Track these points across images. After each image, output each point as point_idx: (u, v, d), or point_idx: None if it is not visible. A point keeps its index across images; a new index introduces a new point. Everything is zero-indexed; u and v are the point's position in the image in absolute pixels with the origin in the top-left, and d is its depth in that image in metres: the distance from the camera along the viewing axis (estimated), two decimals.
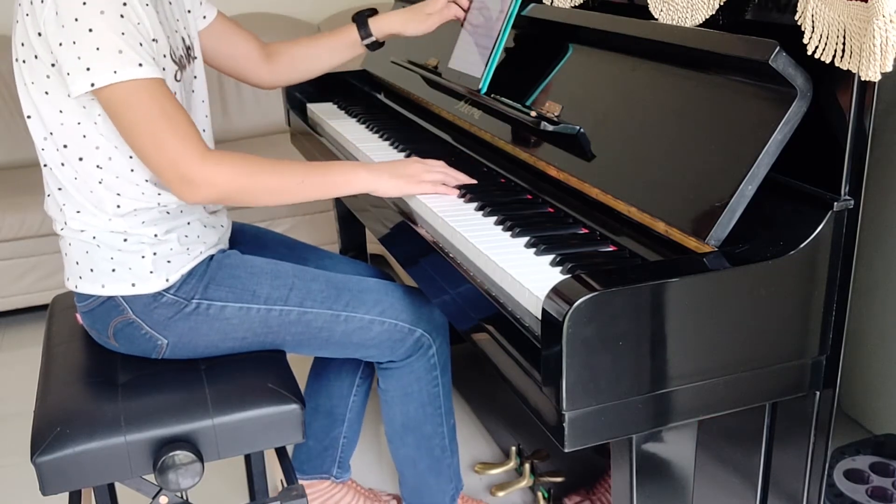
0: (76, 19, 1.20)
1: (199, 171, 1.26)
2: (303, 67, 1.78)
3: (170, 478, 1.29)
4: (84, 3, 1.20)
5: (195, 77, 1.48)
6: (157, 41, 1.30)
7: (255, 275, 1.45)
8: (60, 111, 1.30)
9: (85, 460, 1.27)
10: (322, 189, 1.40)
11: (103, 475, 1.30)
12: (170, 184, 1.28)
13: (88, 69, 1.21)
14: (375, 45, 1.75)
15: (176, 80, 1.37)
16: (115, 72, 1.21)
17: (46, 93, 1.30)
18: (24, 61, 1.30)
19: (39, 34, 1.25)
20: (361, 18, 1.73)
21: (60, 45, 1.22)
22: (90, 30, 1.20)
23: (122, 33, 1.22)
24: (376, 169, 1.44)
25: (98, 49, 1.20)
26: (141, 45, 1.24)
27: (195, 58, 1.48)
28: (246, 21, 3.55)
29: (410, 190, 1.45)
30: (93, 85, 1.21)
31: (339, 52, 1.76)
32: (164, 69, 1.32)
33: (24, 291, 2.92)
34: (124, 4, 1.23)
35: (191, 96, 1.47)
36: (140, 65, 1.22)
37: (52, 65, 1.26)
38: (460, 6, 1.71)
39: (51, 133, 1.32)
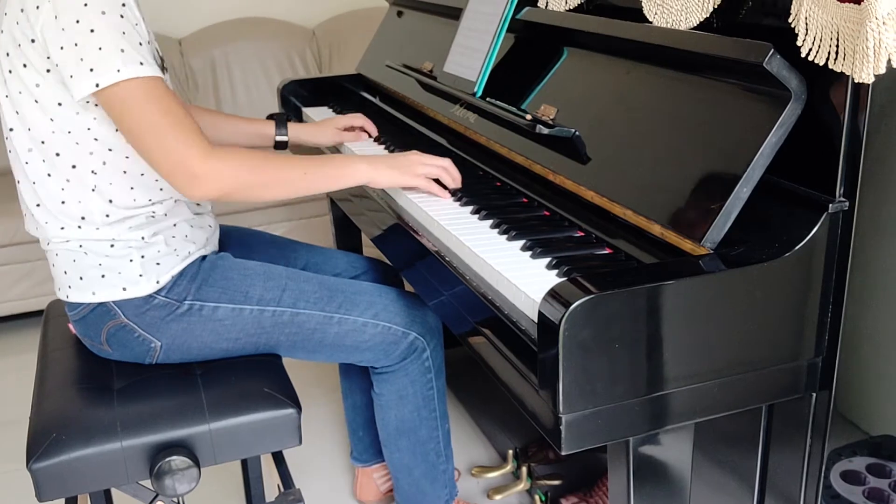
0: (77, 21, 1.20)
1: (204, 166, 1.26)
2: (217, 136, 1.78)
3: (166, 483, 1.28)
4: (85, 5, 1.20)
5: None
6: (150, 44, 1.31)
7: (248, 276, 1.45)
8: (51, 119, 1.30)
9: (81, 466, 1.27)
10: (324, 181, 1.41)
11: (99, 481, 1.30)
12: (176, 181, 1.27)
13: (92, 70, 1.21)
14: (281, 145, 1.84)
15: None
16: (118, 70, 1.21)
17: (36, 101, 1.29)
18: (9, 71, 1.29)
19: (33, 41, 1.24)
20: (281, 119, 1.84)
21: (62, 48, 1.22)
22: (92, 30, 1.21)
23: (123, 33, 1.22)
24: (374, 160, 1.45)
25: (101, 49, 1.21)
26: (140, 44, 1.25)
27: (167, 69, 1.49)
28: (242, 26, 3.56)
29: (404, 181, 1.45)
30: (97, 85, 1.21)
31: (247, 135, 1.82)
32: None
33: (19, 297, 2.91)
34: (123, 5, 1.24)
35: None
36: (141, 63, 1.23)
37: (48, 70, 1.26)
38: (367, 131, 1.90)
39: (42, 142, 1.31)
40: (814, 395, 1.14)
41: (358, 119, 1.90)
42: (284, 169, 1.36)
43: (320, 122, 1.90)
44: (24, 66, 1.27)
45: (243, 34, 3.54)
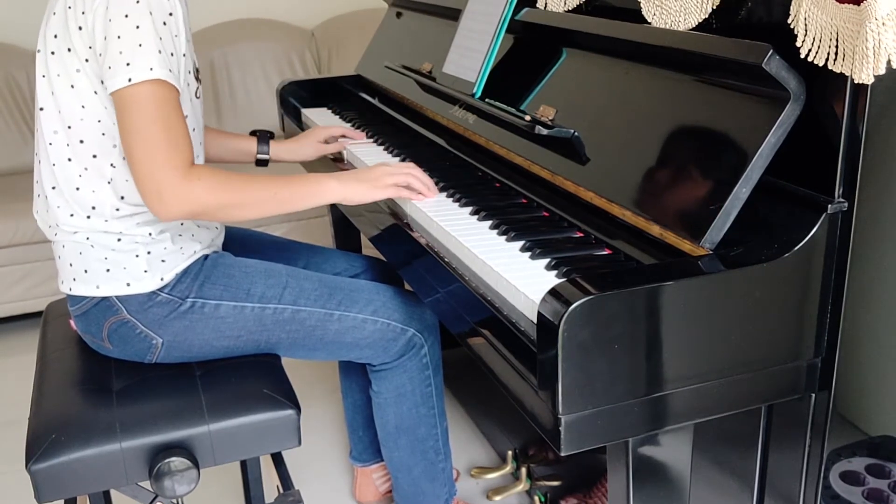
0: (126, 15, 1.24)
1: (172, 188, 1.26)
2: (203, 150, 1.78)
3: (165, 484, 1.28)
4: (137, 2, 1.24)
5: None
6: (185, 56, 1.34)
7: (249, 274, 1.46)
8: (83, 106, 1.32)
9: (80, 467, 1.27)
10: (293, 202, 1.40)
11: (99, 482, 1.30)
12: (144, 196, 1.28)
13: (128, 64, 1.24)
14: (262, 163, 1.84)
15: (196, 97, 1.41)
16: (150, 69, 1.24)
17: (72, 86, 1.32)
18: (52, 52, 1.32)
19: (80, 28, 1.27)
20: (264, 137, 1.84)
21: (105, 38, 1.25)
22: (137, 27, 1.24)
23: (161, 38, 1.26)
24: (344, 178, 1.44)
25: (140, 45, 1.24)
26: (172, 55, 1.28)
27: (200, 79, 1.50)
28: (241, 27, 3.57)
29: (375, 194, 1.45)
30: (130, 80, 1.23)
31: (230, 151, 1.82)
32: (188, 85, 1.36)
33: (19, 298, 2.91)
34: (170, 14, 1.28)
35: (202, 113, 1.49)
36: (170, 70, 1.26)
37: (86, 60, 1.29)
38: (350, 137, 1.88)
39: (68, 127, 1.34)
40: (813, 395, 1.14)
41: (337, 129, 1.89)
42: (252, 191, 1.35)
43: (300, 138, 1.89)
44: (69, 50, 1.30)
45: (242, 35, 3.54)
